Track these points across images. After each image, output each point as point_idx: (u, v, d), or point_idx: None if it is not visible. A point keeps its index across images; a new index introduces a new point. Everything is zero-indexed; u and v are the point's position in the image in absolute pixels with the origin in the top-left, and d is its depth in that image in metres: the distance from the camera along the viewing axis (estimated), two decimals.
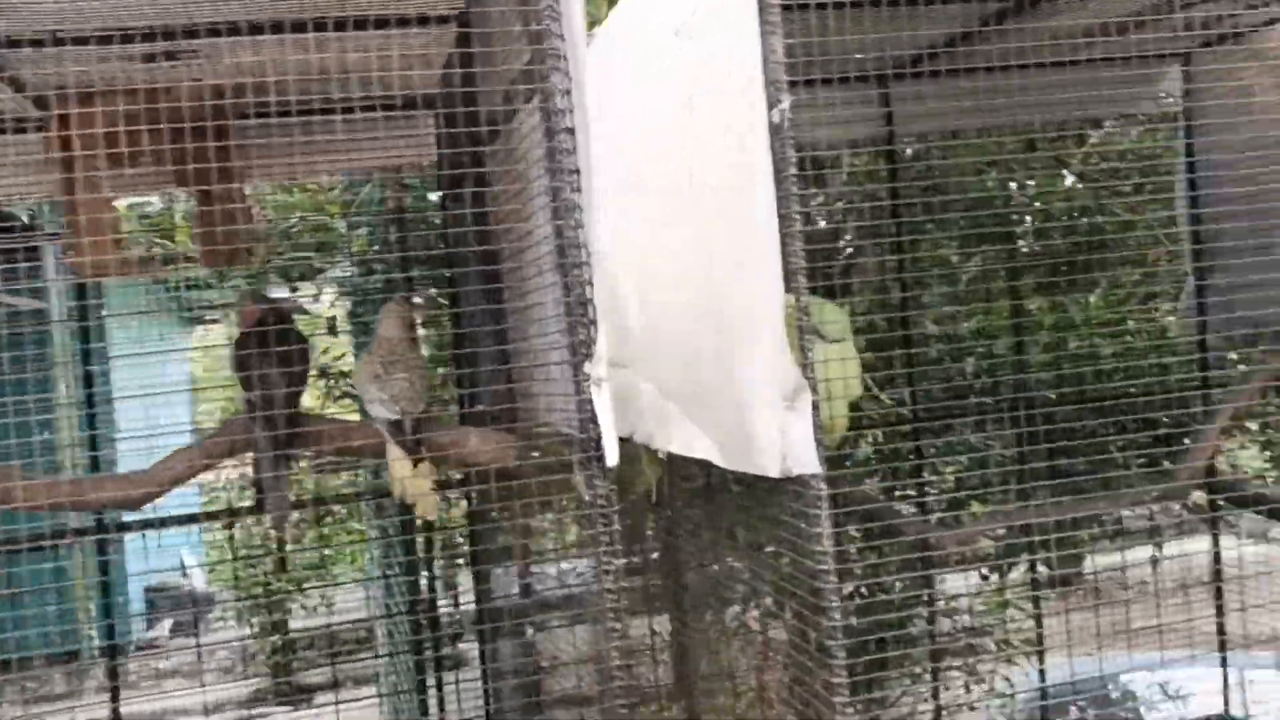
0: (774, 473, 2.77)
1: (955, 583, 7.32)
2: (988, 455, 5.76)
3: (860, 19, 3.99)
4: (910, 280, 5.34)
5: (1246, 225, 4.48)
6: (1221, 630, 4.95)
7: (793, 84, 4.39)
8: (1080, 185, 6.40)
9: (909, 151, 6.47)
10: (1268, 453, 6.68)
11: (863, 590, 6.39)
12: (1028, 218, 6.44)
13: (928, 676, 6.91)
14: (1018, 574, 6.83)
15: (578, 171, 2.64)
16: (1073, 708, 7.01)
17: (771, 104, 2.68)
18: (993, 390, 5.30)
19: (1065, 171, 6.43)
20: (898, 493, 5.76)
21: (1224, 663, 5.00)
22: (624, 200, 3.65)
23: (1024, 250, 6.10)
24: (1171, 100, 5.03)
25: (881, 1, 3.99)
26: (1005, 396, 5.15)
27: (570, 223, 2.66)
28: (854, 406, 3.41)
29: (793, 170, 2.68)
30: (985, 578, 7.06)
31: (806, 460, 2.68)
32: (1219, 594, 4.96)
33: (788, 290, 2.70)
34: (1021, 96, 4.49)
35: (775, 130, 2.68)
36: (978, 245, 5.87)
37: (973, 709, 7.02)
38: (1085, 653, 5.75)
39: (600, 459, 2.58)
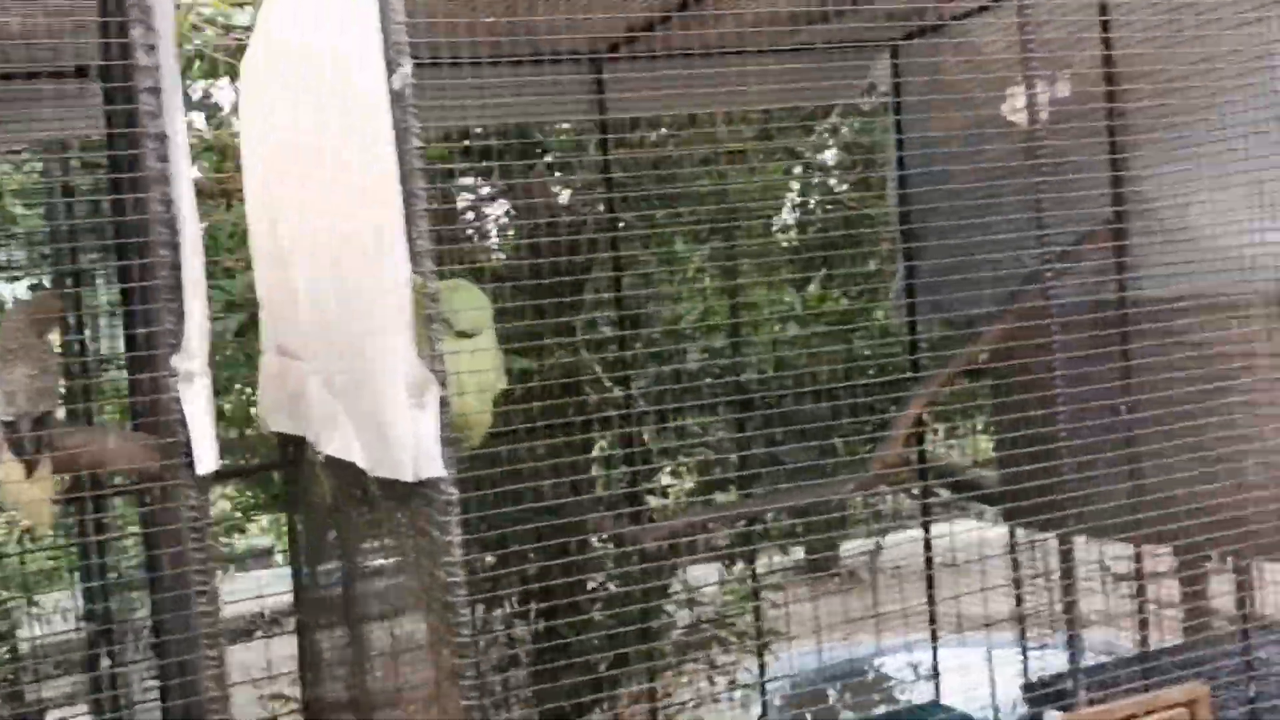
0: (407, 476, 2.53)
1: (708, 575, 7.27)
2: (707, 442, 5.68)
3: None
4: (633, 268, 5.19)
5: (947, 210, 4.49)
6: (933, 619, 4.99)
7: (515, 61, 4.19)
8: (803, 176, 6.41)
9: (653, 137, 6.33)
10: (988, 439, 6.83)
11: (609, 586, 6.26)
12: (776, 214, 6.42)
13: (676, 671, 6.83)
14: (763, 564, 6.80)
15: (164, 137, 2.33)
16: (830, 691, 7.04)
17: (392, 69, 2.42)
18: (717, 379, 5.21)
19: (795, 162, 6.42)
20: (642, 485, 5.62)
21: (934, 648, 5.04)
22: (287, 158, 3.30)
23: (751, 241, 6.04)
24: (882, 90, 5.03)
25: None
26: (726, 379, 5.07)
27: (156, 196, 2.35)
28: (498, 402, 3.19)
29: (415, 142, 2.44)
30: (729, 569, 7.02)
31: (434, 461, 2.46)
32: (930, 581, 5.00)
33: (414, 273, 2.46)
34: (735, 82, 4.38)
35: (396, 98, 2.43)
36: (705, 235, 5.77)
37: (716, 701, 6.98)
38: (840, 638, 5.76)
39: (190, 466, 2.30)
